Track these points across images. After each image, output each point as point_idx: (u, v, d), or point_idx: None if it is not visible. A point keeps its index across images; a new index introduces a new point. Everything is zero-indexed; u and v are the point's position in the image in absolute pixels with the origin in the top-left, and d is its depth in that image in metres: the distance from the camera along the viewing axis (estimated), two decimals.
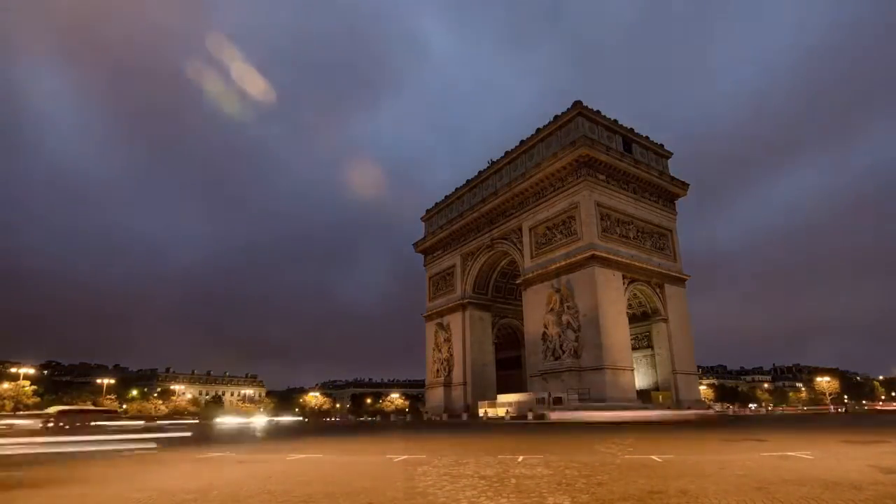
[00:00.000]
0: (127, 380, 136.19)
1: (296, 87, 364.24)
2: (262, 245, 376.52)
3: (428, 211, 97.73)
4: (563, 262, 61.79)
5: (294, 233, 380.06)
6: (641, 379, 64.58)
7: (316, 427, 56.51)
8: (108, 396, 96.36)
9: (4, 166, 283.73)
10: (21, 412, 56.01)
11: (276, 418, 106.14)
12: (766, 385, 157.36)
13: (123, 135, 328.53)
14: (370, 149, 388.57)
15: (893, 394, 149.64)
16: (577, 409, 51.53)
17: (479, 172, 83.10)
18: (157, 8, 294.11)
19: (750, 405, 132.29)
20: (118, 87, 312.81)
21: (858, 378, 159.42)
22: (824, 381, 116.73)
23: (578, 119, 64.54)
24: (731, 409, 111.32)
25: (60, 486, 9.90)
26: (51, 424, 27.97)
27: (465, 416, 69.53)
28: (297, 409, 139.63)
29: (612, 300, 58.73)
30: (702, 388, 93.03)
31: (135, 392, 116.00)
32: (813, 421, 42.14)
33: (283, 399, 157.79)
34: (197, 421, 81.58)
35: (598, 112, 66.48)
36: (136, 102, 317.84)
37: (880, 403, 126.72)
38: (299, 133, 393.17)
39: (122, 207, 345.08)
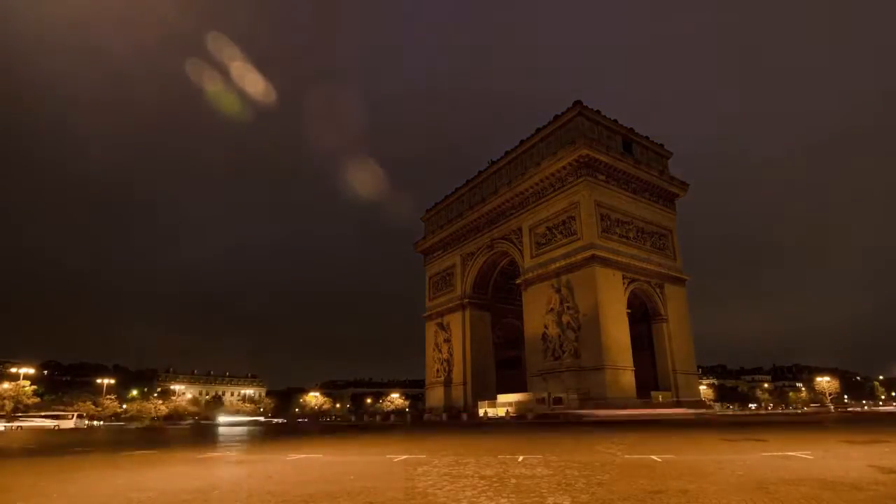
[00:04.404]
0: (127, 380, 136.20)
1: None
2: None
3: (427, 211, 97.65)
4: (562, 262, 61.79)
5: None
6: (641, 379, 64.56)
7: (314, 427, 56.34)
8: (108, 396, 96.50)
9: None
10: None
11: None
12: (765, 385, 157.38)
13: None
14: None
15: (893, 394, 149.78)
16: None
17: (479, 172, 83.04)
18: None
19: (750, 405, 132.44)
20: None
21: (858, 378, 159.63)
22: (824, 381, 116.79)
23: (578, 119, 64.54)
24: (731, 408, 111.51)
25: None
26: None
27: (464, 416, 69.45)
28: (297, 409, 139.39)
29: (612, 300, 58.74)
30: (702, 388, 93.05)
31: (135, 392, 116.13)
32: (814, 420, 42.15)
33: (284, 399, 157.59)
34: None
35: (599, 112, 66.50)
36: None
37: (879, 403, 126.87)
38: None
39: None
